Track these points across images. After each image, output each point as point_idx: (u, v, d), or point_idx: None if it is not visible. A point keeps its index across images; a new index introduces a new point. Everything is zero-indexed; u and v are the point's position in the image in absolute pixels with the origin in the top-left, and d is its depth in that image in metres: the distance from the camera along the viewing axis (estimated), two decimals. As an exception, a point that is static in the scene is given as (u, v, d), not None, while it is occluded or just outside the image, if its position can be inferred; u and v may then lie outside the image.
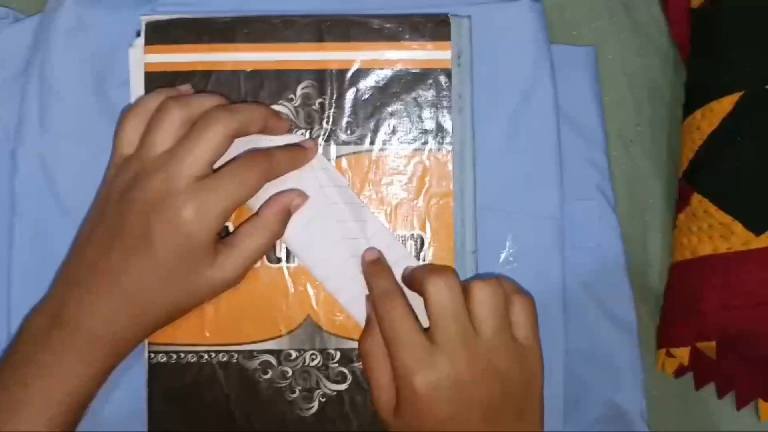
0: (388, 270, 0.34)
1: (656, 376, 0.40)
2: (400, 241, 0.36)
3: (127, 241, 0.31)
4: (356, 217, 0.35)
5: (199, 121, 0.32)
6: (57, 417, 0.30)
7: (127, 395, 0.36)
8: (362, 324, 0.35)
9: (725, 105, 0.37)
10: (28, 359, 0.31)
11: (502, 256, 0.37)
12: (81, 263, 0.32)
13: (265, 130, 0.34)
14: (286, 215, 0.34)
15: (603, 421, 0.38)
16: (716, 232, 0.36)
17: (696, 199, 0.37)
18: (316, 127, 0.36)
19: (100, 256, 0.31)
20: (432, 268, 0.32)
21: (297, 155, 0.35)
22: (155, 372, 0.35)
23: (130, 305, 0.31)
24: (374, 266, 0.34)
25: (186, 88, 0.35)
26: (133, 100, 0.36)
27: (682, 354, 0.38)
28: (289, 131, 0.36)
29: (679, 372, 0.39)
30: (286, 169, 0.34)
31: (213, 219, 0.31)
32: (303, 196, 0.34)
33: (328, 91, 0.36)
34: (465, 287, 0.31)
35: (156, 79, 0.36)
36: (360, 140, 0.36)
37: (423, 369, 0.30)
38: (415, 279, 0.33)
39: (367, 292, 0.34)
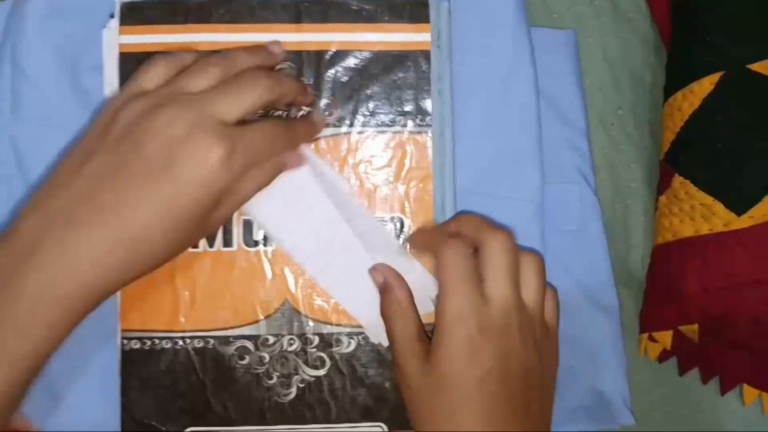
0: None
1: (640, 362, 0.39)
2: (380, 223, 0.35)
3: (139, 171, 0.27)
4: (335, 201, 0.35)
5: (243, 76, 0.31)
6: (17, 375, 0.27)
7: (99, 383, 0.35)
8: (345, 306, 0.35)
9: (706, 85, 0.37)
10: None
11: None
12: (68, 195, 0.28)
13: (293, 102, 0.34)
14: (280, 170, 0.33)
15: (585, 408, 0.38)
16: (697, 213, 0.36)
17: (677, 180, 0.37)
18: (294, 109, 0.35)
19: (99, 188, 0.27)
20: (495, 227, 0.32)
21: (312, 128, 0.35)
22: (128, 359, 0.34)
23: (128, 246, 0.27)
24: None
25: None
26: (106, 82, 0.36)
27: (665, 338, 0.37)
28: (313, 104, 0.35)
29: (663, 357, 0.39)
30: (304, 141, 0.34)
31: (239, 167, 0.29)
32: (299, 159, 0.34)
33: (306, 72, 0.36)
34: (516, 246, 0.32)
35: (130, 61, 0.35)
36: (338, 122, 0.36)
37: (478, 314, 0.30)
38: (471, 229, 0.32)
39: (349, 275, 0.34)
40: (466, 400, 0.30)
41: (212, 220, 0.30)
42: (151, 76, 0.31)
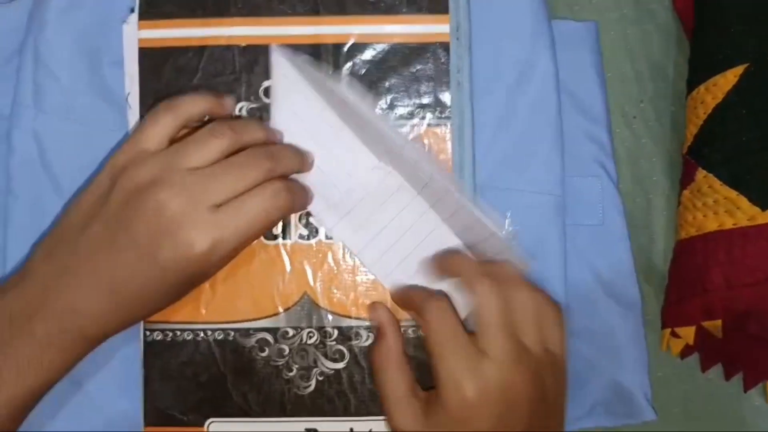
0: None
1: (661, 357, 0.39)
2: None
3: (129, 250, 0.30)
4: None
5: (241, 159, 0.31)
6: (23, 402, 0.30)
7: (122, 374, 0.35)
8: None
9: (730, 78, 0.36)
10: (4, 343, 0.30)
11: (501, 233, 0.37)
12: (71, 255, 0.30)
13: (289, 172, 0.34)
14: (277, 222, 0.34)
15: (606, 403, 0.37)
16: (722, 207, 0.35)
17: (701, 174, 0.37)
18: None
19: (95, 255, 0.30)
20: (482, 271, 0.31)
21: (309, 194, 0.34)
22: (151, 350, 0.35)
23: (121, 306, 0.31)
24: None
25: (230, 102, 0.34)
26: (127, 77, 0.36)
27: (688, 333, 0.37)
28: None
29: (685, 352, 0.38)
30: (299, 210, 0.34)
31: (225, 253, 0.30)
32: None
33: (324, 66, 0.36)
34: (506, 289, 0.30)
35: (150, 56, 0.36)
36: (357, 115, 0.36)
37: (473, 376, 0.28)
38: (460, 277, 0.31)
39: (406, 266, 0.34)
40: None
41: (202, 280, 0.32)
42: (155, 135, 0.31)
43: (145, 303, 0.31)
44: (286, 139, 0.35)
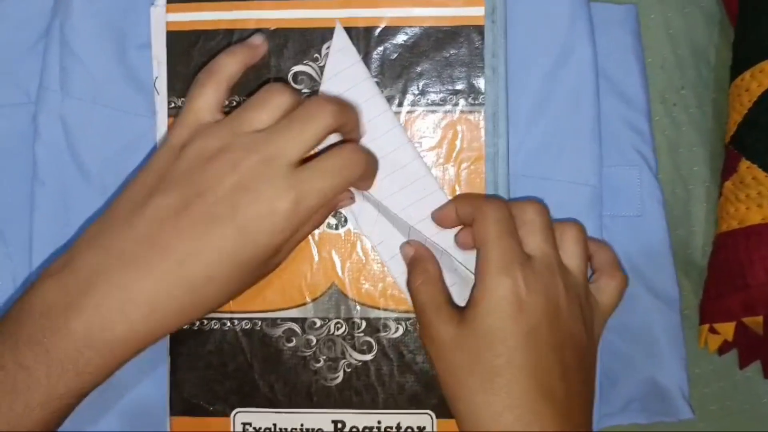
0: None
1: (699, 354, 0.38)
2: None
3: (202, 217, 0.27)
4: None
5: (306, 107, 0.29)
6: (58, 407, 0.27)
7: (148, 361, 0.35)
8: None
9: (778, 64, 0.34)
10: (36, 341, 0.26)
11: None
12: (129, 236, 0.27)
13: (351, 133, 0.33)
14: (333, 210, 0.33)
15: (642, 399, 0.36)
16: (765, 199, 0.34)
17: (744, 165, 0.35)
18: None
19: (161, 231, 0.27)
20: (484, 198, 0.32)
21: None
22: (178, 339, 0.35)
23: (187, 292, 0.27)
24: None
25: (259, 39, 0.33)
26: (155, 61, 0.35)
27: (727, 329, 0.36)
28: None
29: (723, 349, 0.37)
30: (374, 172, 0.33)
31: (306, 211, 0.28)
32: (353, 198, 0.33)
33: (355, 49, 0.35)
34: (510, 206, 0.31)
35: (178, 40, 0.35)
36: (388, 101, 0.35)
37: (524, 267, 0.28)
38: (466, 210, 0.32)
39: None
40: (513, 355, 0.27)
41: (270, 265, 0.30)
42: (206, 105, 0.30)
43: (212, 287, 0.28)
44: None
